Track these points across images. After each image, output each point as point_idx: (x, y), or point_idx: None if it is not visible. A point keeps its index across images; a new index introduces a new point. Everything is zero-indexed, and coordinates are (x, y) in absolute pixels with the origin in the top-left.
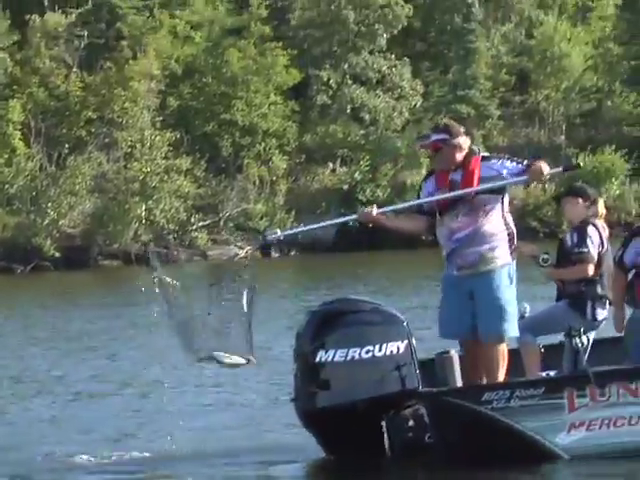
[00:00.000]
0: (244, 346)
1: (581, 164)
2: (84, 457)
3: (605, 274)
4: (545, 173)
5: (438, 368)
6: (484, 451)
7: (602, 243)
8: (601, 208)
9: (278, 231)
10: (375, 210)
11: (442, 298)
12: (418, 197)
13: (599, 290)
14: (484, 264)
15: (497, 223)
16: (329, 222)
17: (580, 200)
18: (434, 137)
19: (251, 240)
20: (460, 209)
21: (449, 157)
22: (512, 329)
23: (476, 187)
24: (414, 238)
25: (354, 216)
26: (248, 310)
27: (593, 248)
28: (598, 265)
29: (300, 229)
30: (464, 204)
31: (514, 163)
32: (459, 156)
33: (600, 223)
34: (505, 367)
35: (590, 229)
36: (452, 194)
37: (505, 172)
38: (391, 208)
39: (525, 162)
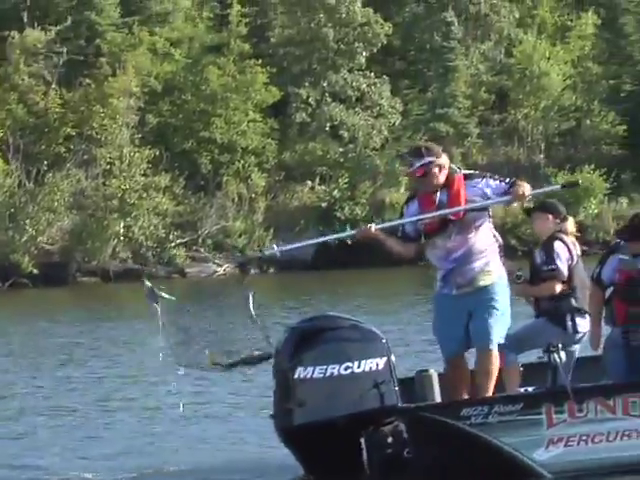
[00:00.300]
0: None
1: (580, 182)
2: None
3: (578, 287)
4: (527, 194)
5: (418, 386)
6: (462, 467)
7: (571, 257)
8: (571, 226)
9: (275, 247)
10: (374, 226)
11: (438, 318)
12: (402, 225)
13: (574, 303)
14: (482, 279)
15: (488, 237)
16: (327, 237)
17: (550, 216)
18: (420, 162)
19: (229, 257)
20: (452, 229)
21: (435, 178)
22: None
23: (463, 207)
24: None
25: (353, 232)
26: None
27: (562, 264)
28: (569, 279)
29: (297, 245)
30: (454, 224)
31: (497, 181)
32: (443, 176)
33: (569, 239)
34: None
35: (557, 244)
36: (444, 212)
37: (489, 191)
38: (389, 224)
39: (507, 180)
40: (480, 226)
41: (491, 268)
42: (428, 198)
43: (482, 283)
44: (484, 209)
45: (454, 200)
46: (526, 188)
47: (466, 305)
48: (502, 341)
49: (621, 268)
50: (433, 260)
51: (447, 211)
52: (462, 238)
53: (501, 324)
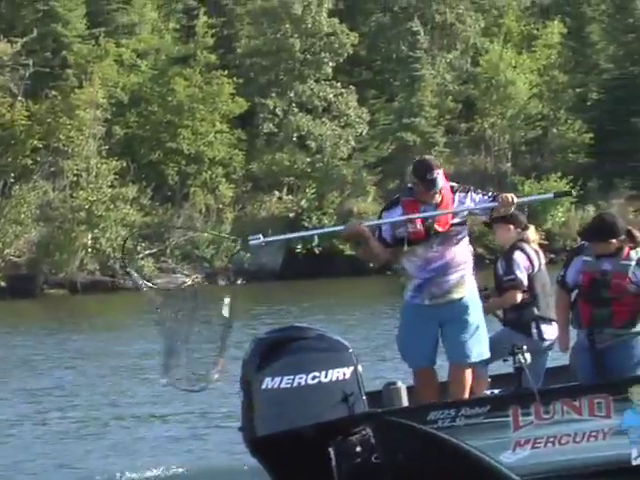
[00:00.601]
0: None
1: (573, 192)
2: None
3: (540, 295)
4: (515, 202)
5: (386, 399)
6: (430, 471)
7: (532, 265)
8: (532, 234)
9: (261, 236)
10: (363, 223)
11: (406, 327)
12: (379, 228)
13: (536, 311)
14: (457, 292)
15: (466, 251)
16: (314, 231)
17: (511, 226)
18: (440, 173)
19: (198, 267)
20: (434, 239)
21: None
22: (486, 352)
23: (451, 210)
24: (361, 265)
25: (342, 227)
26: (229, 317)
27: (521, 273)
28: (530, 288)
29: (283, 237)
30: (437, 235)
31: (480, 195)
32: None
33: (530, 247)
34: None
35: (516, 254)
36: (434, 213)
37: (473, 205)
38: (377, 222)
39: (490, 194)
40: (461, 240)
41: (466, 281)
42: (414, 205)
43: (456, 296)
44: (464, 223)
45: (443, 217)
46: (513, 196)
47: (438, 316)
48: (482, 354)
49: (585, 270)
50: (410, 269)
51: (437, 212)
52: (443, 249)
53: (476, 338)
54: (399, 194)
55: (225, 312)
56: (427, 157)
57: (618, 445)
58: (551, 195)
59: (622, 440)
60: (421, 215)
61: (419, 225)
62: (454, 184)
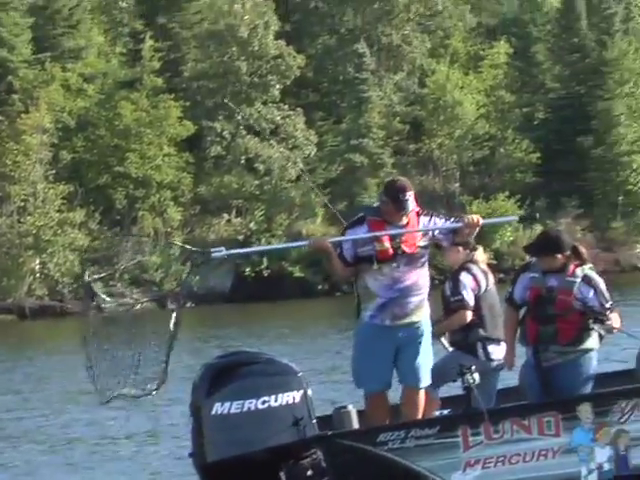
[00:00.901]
0: (156, 368)
1: (537, 215)
2: None
3: (487, 315)
4: (480, 223)
5: (336, 423)
6: None
7: (478, 286)
8: (480, 255)
9: (223, 249)
10: (328, 239)
11: (362, 348)
12: (340, 249)
13: (482, 332)
14: (416, 315)
15: (427, 276)
16: (280, 245)
17: (460, 248)
18: (412, 195)
19: (147, 291)
20: (400, 260)
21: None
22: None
23: (418, 228)
24: (310, 287)
25: (306, 242)
26: (174, 329)
27: (467, 294)
28: (477, 308)
29: (246, 250)
30: (404, 255)
31: (442, 220)
32: None
33: (478, 268)
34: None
35: (462, 275)
36: (402, 231)
37: (439, 226)
38: (341, 238)
39: (452, 219)
40: (424, 263)
41: (424, 305)
42: (380, 225)
43: (415, 318)
44: (427, 247)
45: (409, 237)
46: (479, 217)
47: (395, 338)
48: (429, 380)
49: (531, 286)
50: (374, 287)
51: (403, 230)
52: (409, 270)
53: (430, 362)
54: (363, 213)
55: (170, 325)
56: (401, 178)
57: (568, 463)
58: (516, 217)
59: (572, 458)
60: (388, 233)
61: (387, 243)
62: (418, 209)
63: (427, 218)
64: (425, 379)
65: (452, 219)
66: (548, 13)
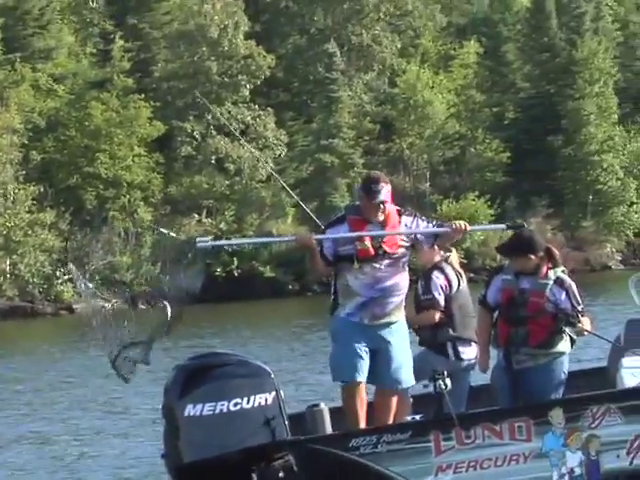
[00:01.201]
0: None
1: (525, 224)
2: None
3: (457, 315)
4: (468, 229)
5: (309, 421)
6: None
7: (450, 286)
8: (453, 256)
9: (209, 239)
10: (313, 235)
11: (342, 342)
12: (321, 247)
13: (451, 332)
14: (395, 315)
15: (406, 277)
16: (266, 239)
17: (436, 247)
18: (388, 188)
19: (117, 292)
20: (382, 259)
21: (387, 208)
22: (412, 378)
23: (406, 231)
24: (281, 287)
25: (293, 238)
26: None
27: (438, 294)
28: (447, 308)
29: (232, 242)
30: (385, 255)
31: (425, 222)
32: None
33: (451, 268)
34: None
35: (435, 274)
36: (389, 232)
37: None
38: (327, 236)
39: (434, 222)
40: (405, 264)
41: (403, 306)
42: (361, 224)
43: (394, 318)
44: (408, 249)
45: (391, 237)
46: (466, 224)
47: (373, 337)
48: (410, 383)
49: (504, 288)
50: (355, 286)
51: (389, 232)
52: (391, 270)
53: (408, 364)
54: (344, 211)
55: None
56: (376, 172)
57: (539, 468)
58: (503, 226)
59: (543, 463)
60: (371, 233)
61: (368, 242)
62: (400, 208)
63: (410, 218)
64: (405, 381)
65: (435, 222)
66: (518, 13)
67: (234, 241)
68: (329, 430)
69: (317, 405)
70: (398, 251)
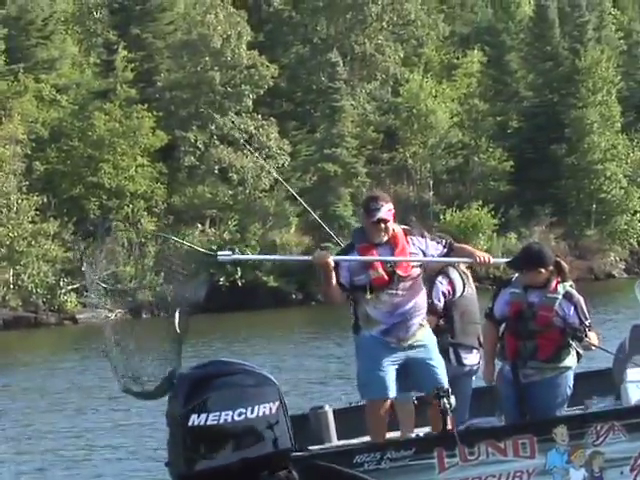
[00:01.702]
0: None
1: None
2: None
3: (457, 321)
4: (491, 262)
5: (312, 423)
6: None
7: (454, 291)
8: None
9: (230, 252)
10: (331, 256)
11: (368, 358)
12: (337, 273)
13: (449, 338)
14: (421, 332)
15: (424, 294)
16: (284, 257)
17: None
18: (389, 207)
19: (120, 302)
20: (397, 284)
21: (392, 228)
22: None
23: (428, 259)
24: (284, 297)
25: (309, 257)
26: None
27: (437, 300)
28: (447, 314)
29: (251, 257)
30: (400, 279)
31: (434, 242)
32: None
33: (457, 272)
34: None
35: (439, 280)
36: (407, 259)
37: (429, 252)
38: (345, 258)
39: (443, 242)
40: (420, 283)
41: (425, 322)
42: (369, 250)
43: (420, 336)
44: (421, 265)
45: (400, 256)
46: (490, 257)
47: (404, 352)
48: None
49: (512, 301)
50: (376, 315)
51: (424, 259)
52: (407, 293)
53: (443, 368)
54: (351, 241)
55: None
56: (376, 191)
57: None
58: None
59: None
60: (392, 259)
61: (381, 270)
62: (406, 227)
63: (418, 238)
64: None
65: (444, 241)
66: (521, 22)
67: (253, 257)
68: (334, 432)
69: (321, 407)
70: (412, 272)
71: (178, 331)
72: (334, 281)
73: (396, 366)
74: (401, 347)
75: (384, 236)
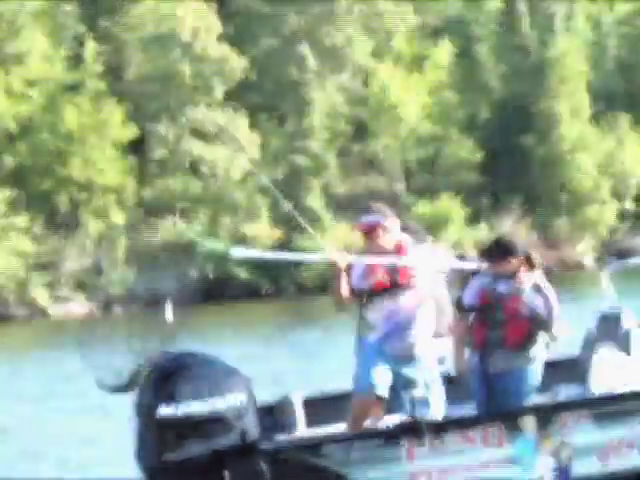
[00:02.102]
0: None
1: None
2: None
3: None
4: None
5: (281, 412)
6: None
7: None
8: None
9: (243, 248)
10: (346, 256)
11: (364, 358)
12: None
13: None
14: (418, 346)
15: (427, 309)
16: (299, 257)
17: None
18: (367, 219)
19: (92, 296)
20: (397, 291)
21: (379, 239)
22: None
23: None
24: (255, 289)
25: (324, 256)
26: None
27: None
28: None
29: (264, 255)
30: (399, 287)
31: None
32: (389, 240)
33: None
34: None
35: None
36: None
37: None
38: (363, 258)
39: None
40: (423, 297)
41: (426, 343)
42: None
43: (416, 350)
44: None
45: (404, 269)
46: None
47: (400, 363)
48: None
49: (481, 291)
50: (373, 321)
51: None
52: (406, 303)
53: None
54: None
55: (169, 316)
56: (377, 205)
57: (511, 474)
58: None
59: (514, 469)
60: (411, 261)
61: (382, 276)
62: (405, 227)
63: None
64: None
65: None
66: (491, 13)
67: (266, 255)
68: (302, 420)
69: (289, 396)
70: (412, 281)
71: (168, 321)
72: (344, 283)
73: (389, 372)
74: (395, 356)
75: (372, 248)
